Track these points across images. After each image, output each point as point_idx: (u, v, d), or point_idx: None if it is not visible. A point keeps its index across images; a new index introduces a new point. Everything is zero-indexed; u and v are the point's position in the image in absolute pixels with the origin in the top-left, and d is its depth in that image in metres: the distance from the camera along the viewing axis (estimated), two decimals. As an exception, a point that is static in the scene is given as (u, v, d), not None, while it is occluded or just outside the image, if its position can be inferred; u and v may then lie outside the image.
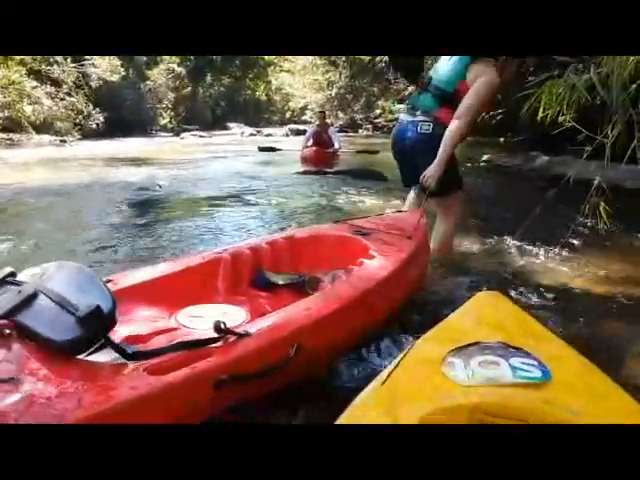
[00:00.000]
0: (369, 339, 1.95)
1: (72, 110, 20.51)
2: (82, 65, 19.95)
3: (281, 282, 2.25)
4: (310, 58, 22.87)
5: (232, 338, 1.48)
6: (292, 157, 9.22)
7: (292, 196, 5.97)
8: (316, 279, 2.24)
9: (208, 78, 35.09)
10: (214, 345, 1.45)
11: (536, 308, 2.44)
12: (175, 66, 31.18)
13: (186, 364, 1.35)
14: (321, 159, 8.31)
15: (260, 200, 5.68)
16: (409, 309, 2.32)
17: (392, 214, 2.95)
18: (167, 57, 31.60)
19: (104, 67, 20.69)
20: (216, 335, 1.46)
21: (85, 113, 21.31)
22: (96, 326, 1.30)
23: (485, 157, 8.34)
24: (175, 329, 1.81)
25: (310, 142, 8.79)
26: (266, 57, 31.88)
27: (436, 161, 2.54)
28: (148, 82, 28.15)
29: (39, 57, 17.67)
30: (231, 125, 30.30)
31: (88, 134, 20.67)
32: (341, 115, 22.97)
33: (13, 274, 1.43)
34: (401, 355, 1.19)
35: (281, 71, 31.82)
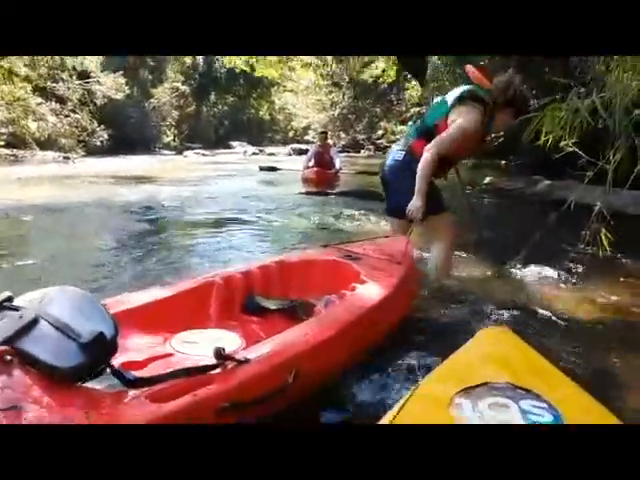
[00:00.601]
0: (373, 372, 1.93)
1: (76, 127, 20.66)
2: (87, 82, 20.15)
3: (273, 307, 2.25)
4: (313, 79, 23.08)
5: (232, 364, 1.48)
6: (293, 177, 9.23)
7: (293, 217, 5.96)
8: (308, 304, 2.24)
9: (212, 97, 35.41)
10: (214, 372, 1.45)
11: (538, 335, 2.40)
12: (179, 84, 31.48)
13: (187, 391, 1.35)
14: (322, 180, 8.31)
15: (261, 221, 5.66)
16: (410, 340, 2.28)
17: (380, 239, 2.97)
18: (172, 75, 31.88)
19: (109, 85, 20.88)
20: (216, 361, 1.45)
21: (89, 130, 21.46)
22: (99, 353, 1.28)
23: (487, 180, 8.32)
24: (170, 355, 1.80)
25: (311, 162, 8.79)
26: (269, 77, 32.07)
27: (415, 194, 2.59)
28: (152, 100, 28.41)
29: (45, 74, 17.83)
30: (234, 144, 30.47)
31: (92, 151, 20.77)
32: (343, 135, 23.09)
33: (10, 298, 1.39)
34: (407, 395, 1.15)
35: (284, 91, 32.07)
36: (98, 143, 21.95)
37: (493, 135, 6.57)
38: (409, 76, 15.37)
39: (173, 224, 5.67)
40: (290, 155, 20.98)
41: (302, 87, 25.88)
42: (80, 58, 20.18)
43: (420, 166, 2.57)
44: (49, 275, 3.38)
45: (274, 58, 23.97)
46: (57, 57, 17.81)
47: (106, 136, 22.32)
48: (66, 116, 19.92)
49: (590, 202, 2.97)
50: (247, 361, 1.49)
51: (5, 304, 1.37)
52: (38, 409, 1.12)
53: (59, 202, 6.86)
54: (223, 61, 33.74)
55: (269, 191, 8.57)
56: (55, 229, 5.23)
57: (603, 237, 2.63)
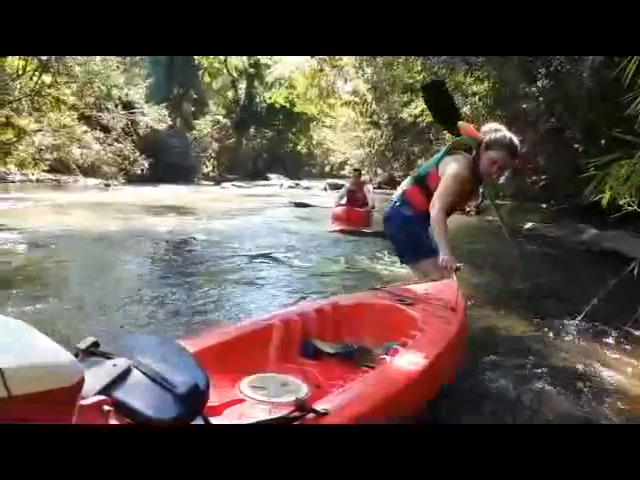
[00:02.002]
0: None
1: (119, 156, 21.23)
2: (132, 113, 20.74)
3: (330, 351, 2.23)
4: (352, 115, 23.16)
5: (311, 415, 1.45)
6: (327, 214, 9.10)
7: (324, 256, 5.80)
8: (365, 350, 2.25)
9: (252, 130, 36.07)
10: (296, 423, 1.44)
11: (592, 409, 2.11)
12: (221, 117, 32.20)
13: None
14: (352, 218, 8.08)
15: (294, 259, 5.52)
16: (460, 409, 2.04)
17: (428, 283, 2.89)
18: (214, 108, 32.66)
19: (152, 115, 21.45)
20: (297, 413, 1.43)
21: (131, 159, 22.01)
22: (194, 404, 1.22)
23: (529, 225, 7.98)
24: (242, 400, 1.78)
25: (344, 200, 8.61)
26: (309, 112, 32.49)
27: (440, 250, 2.67)
28: (194, 132, 29.08)
29: (91, 103, 18.37)
30: (271, 176, 30.81)
31: (133, 179, 21.25)
32: (380, 172, 22.98)
33: (96, 344, 1.33)
34: None
35: (323, 126, 32.42)
36: (139, 172, 22.45)
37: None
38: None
39: (203, 260, 5.56)
40: (326, 190, 20.95)
41: (341, 124, 26.04)
42: (125, 89, 20.87)
43: (433, 225, 2.68)
44: (79, 307, 3.38)
45: (314, 94, 24.29)
46: (104, 88, 18.38)
47: (147, 165, 22.83)
48: (109, 145, 20.51)
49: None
50: (326, 413, 1.47)
51: (94, 350, 1.32)
52: None
53: (95, 232, 6.88)
54: (264, 96, 34.49)
55: (302, 228, 8.45)
56: (85, 258, 5.19)
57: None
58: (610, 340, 2.96)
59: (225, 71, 33.45)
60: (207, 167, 31.12)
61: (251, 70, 33.66)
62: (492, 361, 2.60)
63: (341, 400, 1.58)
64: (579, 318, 3.00)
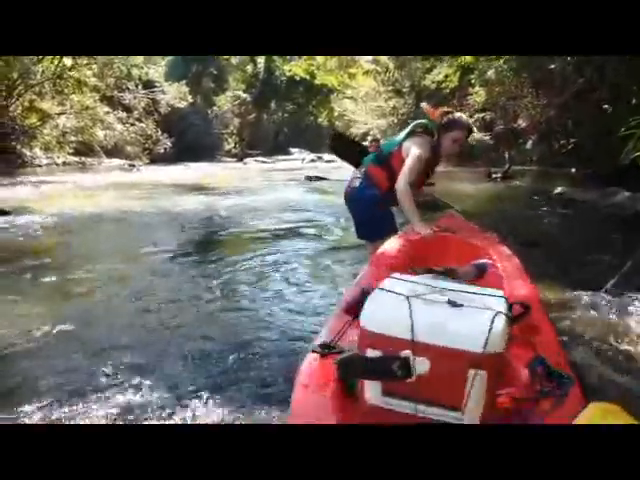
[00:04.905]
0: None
1: (141, 135, 21.33)
2: (152, 92, 20.75)
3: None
4: (373, 84, 22.77)
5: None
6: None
7: (347, 228, 5.78)
8: (452, 270, 2.40)
9: (272, 104, 35.79)
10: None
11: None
12: (241, 93, 32.01)
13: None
14: None
15: (317, 233, 5.57)
16: None
17: (439, 218, 3.23)
18: (233, 84, 32.47)
19: (173, 94, 21.43)
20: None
21: (154, 138, 22.11)
22: None
23: (559, 189, 7.79)
24: None
25: (360, 172, 8.51)
26: (329, 84, 32.04)
27: (412, 222, 2.87)
28: (214, 108, 29.00)
29: (112, 84, 18.40)
30: (293, 150, 30.64)
31: (156, 158, 21.38)
32: (403, 142, 22.61)
33: None
34: None
35: (344, 98, 31.94)
36: (162, 151, 22.57)
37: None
38: (473, 81, 14.82)
39: (229, 236, 5.60)
40: (348, 162, 20.73)
41: (362, 94, 25.62)
42: (145, 68, 20.86)
43: (400, 200, 2.85)
44: (100, 284, 3.48)
45: (334, 65, 23.93)
46: (124, 68, 18.39)
47: (169, 144, 22.92)
48: (132, 124, 20.60)
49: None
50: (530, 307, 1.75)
51: None
52: None
53: (119, 211, 6.98)
54: (283, 69, 34.10)
55: (323, 201, 8.44)
56: (110, 239, 5.26)
57: None
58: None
59: (243, 45, 33.06)
60: (229, 144, 31.10)
61: (269, 43, 33.21)
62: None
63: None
64: (610, 284, 2.89)
